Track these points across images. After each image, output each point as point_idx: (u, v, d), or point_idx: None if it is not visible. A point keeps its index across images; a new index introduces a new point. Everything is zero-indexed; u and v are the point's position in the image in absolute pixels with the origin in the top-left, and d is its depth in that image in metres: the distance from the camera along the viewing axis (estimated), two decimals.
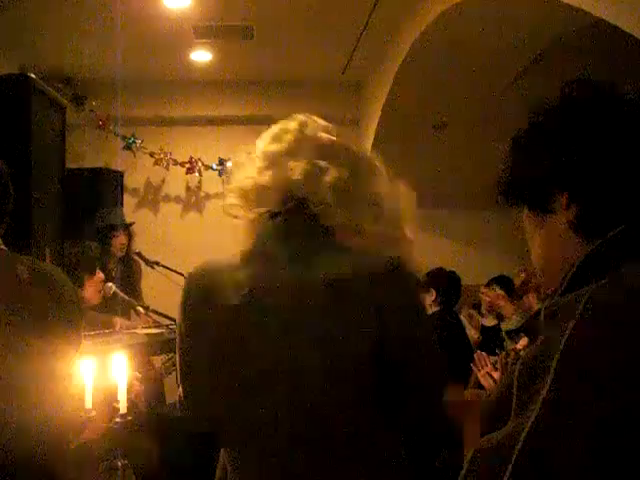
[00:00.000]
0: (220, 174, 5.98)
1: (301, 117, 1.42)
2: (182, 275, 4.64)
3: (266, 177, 1.34)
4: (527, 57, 4.23)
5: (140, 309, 3.81)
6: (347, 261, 1.28)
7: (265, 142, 1.40)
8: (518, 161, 1.03)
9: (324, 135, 1.39)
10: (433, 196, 5.80)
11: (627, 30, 2.47)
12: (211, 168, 5.98)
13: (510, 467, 0.82)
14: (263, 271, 1.30)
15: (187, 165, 5.95)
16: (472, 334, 4.41)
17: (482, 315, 4.70)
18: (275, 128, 1.42)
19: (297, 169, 1.32)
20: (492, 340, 4.12)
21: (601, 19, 2.63)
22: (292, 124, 1.40)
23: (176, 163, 5.93)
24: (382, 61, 5.17)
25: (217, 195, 6.07)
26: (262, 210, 1.35)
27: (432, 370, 1.35)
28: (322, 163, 1.33)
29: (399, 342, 1.28)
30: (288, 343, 1.26)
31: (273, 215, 1.34)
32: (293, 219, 1.33)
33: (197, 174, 5.99)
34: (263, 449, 1.29)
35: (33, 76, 2.36)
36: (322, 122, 1.43)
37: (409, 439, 1.40)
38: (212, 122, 5.97)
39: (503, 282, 4.71)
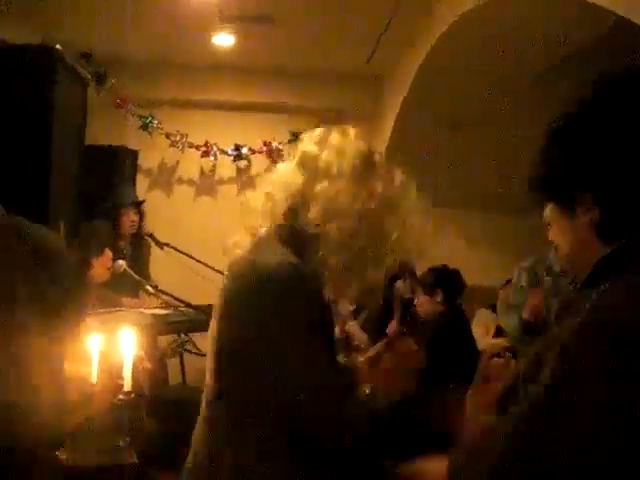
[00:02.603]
0: (235, 160, 5.98)
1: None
2: (191, 258, 4.65)
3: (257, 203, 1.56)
4: (550, 59, 4.19)
5: (149, 288, 3.83)
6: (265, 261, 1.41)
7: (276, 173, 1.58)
8: (549, 156, 1.03)
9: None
10: (449, 195, 5.78)
11: None
12: (226, 153, 5.97)
13: (500, 448, 0.86)
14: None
15: (202, 148, 5.93)
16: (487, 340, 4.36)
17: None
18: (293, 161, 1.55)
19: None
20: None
21: (629, 21, 2.60)
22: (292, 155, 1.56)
23: (192, 146, 5.92)
24: (405, 56, 5.14)
25: (230, 180, 6.07)
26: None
27: (283, 370, 1.35)
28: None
29: (237, 342, 1.40)
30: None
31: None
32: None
33: (212, 158, 5.99)
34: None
35: (58, 47, 2.35)
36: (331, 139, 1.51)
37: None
38: (230, 107, 5.95)
39: None
